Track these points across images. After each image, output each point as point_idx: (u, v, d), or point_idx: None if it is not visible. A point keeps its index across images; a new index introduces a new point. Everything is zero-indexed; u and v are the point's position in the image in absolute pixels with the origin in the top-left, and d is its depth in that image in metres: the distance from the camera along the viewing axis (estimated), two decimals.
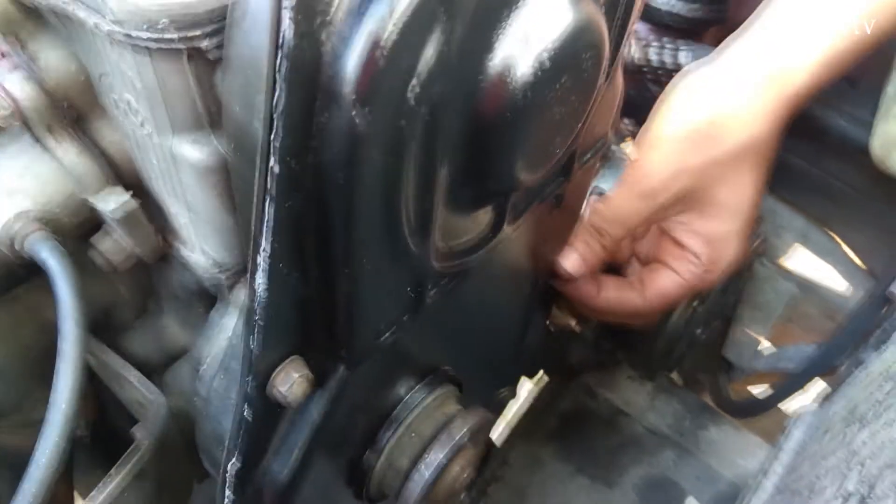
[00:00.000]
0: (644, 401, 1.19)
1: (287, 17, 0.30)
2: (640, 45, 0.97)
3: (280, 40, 0.30)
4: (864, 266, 1.10)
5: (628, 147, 1.02)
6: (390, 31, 0.31)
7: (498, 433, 1.14)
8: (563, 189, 0.61)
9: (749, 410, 0.94)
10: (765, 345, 1.16)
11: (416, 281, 0.48)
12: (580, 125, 0.50)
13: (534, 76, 0.40)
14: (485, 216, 0.53)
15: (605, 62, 0.47)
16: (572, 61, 0.42)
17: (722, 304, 1.03)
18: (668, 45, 0.94)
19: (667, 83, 1.06)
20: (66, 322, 0.47)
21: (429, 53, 0.33)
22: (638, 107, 1.12)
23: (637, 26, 1.06)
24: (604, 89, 0.54)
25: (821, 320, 1.14)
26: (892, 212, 0.99)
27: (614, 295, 0.78)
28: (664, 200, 0.71)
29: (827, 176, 1.08)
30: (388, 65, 0.32)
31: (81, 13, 0.42)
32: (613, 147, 1.04)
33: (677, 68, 0.94)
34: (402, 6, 0.31)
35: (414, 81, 0.34)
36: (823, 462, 0.62)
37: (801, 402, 0.98)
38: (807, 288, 1.13)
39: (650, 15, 1.01)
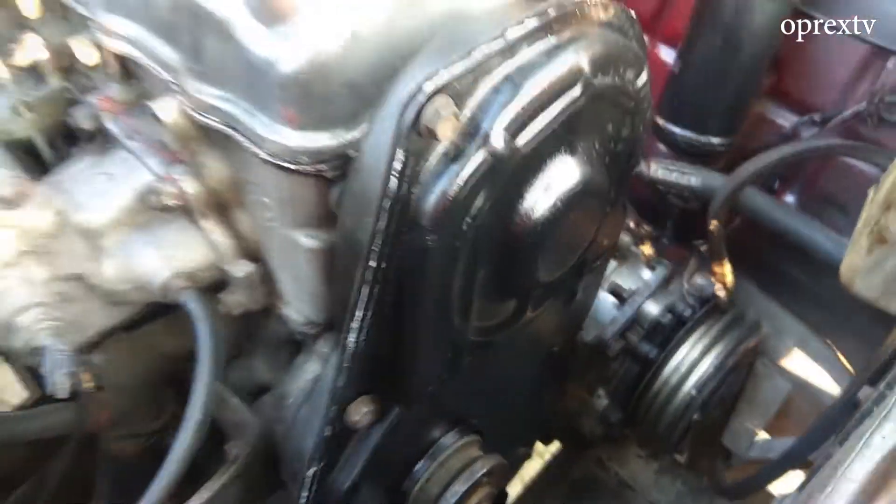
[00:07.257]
0: (649, 478, 1.30)
1: (394, 178, 0.48)
2: (660, 164, 1.15)
3: (387, 190, 0.49)
4: (853, 372, 1.22)
5: (646, 248, 1.19)
6: (455, 189, 0.50)
7: (514, 491, 1.26)
8: (575, 286, 0.78)
9: (736, 492, 1.06)
10: (762, 436, 1.27)
11: (456, 349, 0.65)
12: (588, 243, 0.68)
13: (550, 214, 0.58)
14: (511, 304, 0.70)
15: (607, 201, 0.65)
16: (578, 204, 0.60)
17: (720, 395, 1.16)
18: (683, 170, 1.12)
19: (680, 198, 1.23)
20: (204, 355, 0.65)
21: (479, 202, 0.52)
22: (658, 214, 1.29)
23: (660, 146, 1.24)
24: (609, 216, 0.71)
25: (812, 417, 1.25)
26: (872, 324, 1.12)
27: None
28: None
29: (823, 289, 1.22)
30: (452, 208, 0.51)
31: (245, 143, 0.62)
32: (632, 248, 1.21)
33: (688, 189, 1.12)
34: (464, 175, 0.50)
35: (468, 219, 0.52)
36: None
37: (789, 485, 1.09)
38: (801, 387, 1.25)
39: (669, 140, 1.19)
